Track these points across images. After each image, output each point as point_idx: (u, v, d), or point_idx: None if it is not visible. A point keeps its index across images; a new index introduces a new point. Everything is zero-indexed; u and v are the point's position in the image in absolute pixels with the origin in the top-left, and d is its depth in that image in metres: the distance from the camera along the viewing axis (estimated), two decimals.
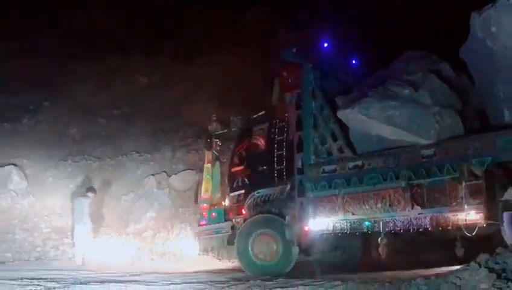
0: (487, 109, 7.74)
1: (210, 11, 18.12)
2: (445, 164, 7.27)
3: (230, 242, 9.40)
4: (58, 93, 16.59)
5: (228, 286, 7.18)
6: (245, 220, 9.27)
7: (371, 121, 7.95)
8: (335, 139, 8.48)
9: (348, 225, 8.13)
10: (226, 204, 9.73)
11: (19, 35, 18.27)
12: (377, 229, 7.87)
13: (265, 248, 8.94)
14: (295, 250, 8.67)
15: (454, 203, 7.19)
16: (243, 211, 9.33)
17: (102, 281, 8.06)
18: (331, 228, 8.29)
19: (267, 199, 9.13)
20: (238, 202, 9.50)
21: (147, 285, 7.62)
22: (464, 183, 7.09)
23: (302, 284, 6.96)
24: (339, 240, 8.97)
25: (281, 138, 9.18)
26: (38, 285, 7.59)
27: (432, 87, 7.86)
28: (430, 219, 7.38)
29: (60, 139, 15.60)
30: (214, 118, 10.29)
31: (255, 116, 9.99)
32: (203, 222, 9.85)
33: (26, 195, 13.58)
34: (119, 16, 19.17)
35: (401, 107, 7.76)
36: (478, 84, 7.91)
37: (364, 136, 8.22)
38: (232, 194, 9.69)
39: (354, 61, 9.88)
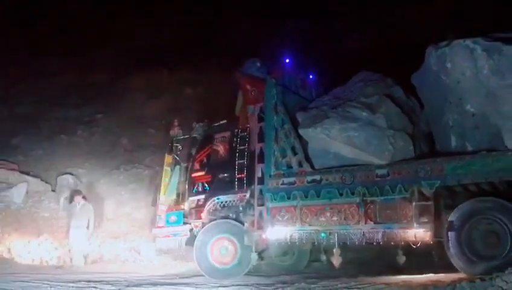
0: (435, 134, 8.49)
1: (251, 22, 18.58)
2: (397, 184, 7.93)
3: (188, 245, 9.74)
4: (111, 105, 17.10)
5: (275, 289, 7.53)
6: (204, 224, 9.62)
7: (332, 141, 8.51)
8: (295, 153, 8.96)
9: (305, 235, 8.68)
10: (185, 208, 9.98)
11: (76, 53, 18.88)
12: (332, 241, 8.46)
13: (223, 251, 9.38)
14: (253, 255, 9.13)
15: (404, 221, 7.90)
16: (202, 216, 9.65)
17: (155, 284, 8.46)
18: (288, 236, 8.81)
19: (226, 205, 9.53)
20: (198, 207, 9.81)
21: (196, 287, 8.00)
22: (414, 203, 7.83)
23: (346, 288, 7.25)
24: (290, 245, 9.57)
25: (243, 147, 9.57)
26: (94, 287, 7.99)
27: (387, 111, 8.51)
28: (382, 233, 8.05)
29: (112, 149, 16.15)
30: (176, 123, 10.51)
31: (216, 124, 10.30)
32: (161, 224, 10.08)
33: None
34: (166, 31, 19.89)
35: (359, 129, 8.36)
36: (428, 110, 8.66)
37: (322, 153, 8.77)
38: (191, 198, 9.97)
39: (311, 77, 10.39)
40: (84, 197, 12.05)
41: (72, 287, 8.07)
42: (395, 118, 8.52)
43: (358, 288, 7.06)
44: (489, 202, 7.42)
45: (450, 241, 7.58)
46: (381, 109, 8.50)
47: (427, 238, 7.76)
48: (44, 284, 8.34)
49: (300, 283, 8.01)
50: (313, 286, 7.60)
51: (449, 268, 7.80)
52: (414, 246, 8.10)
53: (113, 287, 8.03)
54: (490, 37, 7.39)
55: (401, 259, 8.71)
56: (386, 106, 8.55)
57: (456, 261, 7.53)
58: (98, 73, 18.52)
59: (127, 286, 8.19)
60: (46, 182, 14.24)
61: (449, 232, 7.60)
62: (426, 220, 7.76)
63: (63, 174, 14.29)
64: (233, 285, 8.08)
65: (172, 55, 18.56)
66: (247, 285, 7.98)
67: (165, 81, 18.10)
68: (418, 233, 7.80)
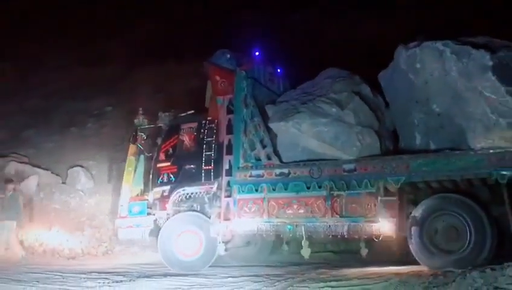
0: (400, 131, 8.77)
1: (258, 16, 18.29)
2: (363, 179, 8.15)
3: (152, 236, 9.64)
4: (120, 98, 16.74)
5: (285, 279, 7.53)
6: (168, 215, 9.53)
7: (302, 135, 8.64)
8: (264, 146, 9.04)
9: (272, 227, 8.79)
10: (149, 198, 9.83)
11: (85, 46, 18.70)
12: (298, 233, 8.60)
13: (188, 243, 9.32)
14: (219, 247, 9.15)
15: (369, 215, 8.14)
16: (167, 207, 9.54)
17: (165, 275, 8.52)
18: (255, 228, 8.90)
19: (192, 196, 9.47)
20: (162, 198, 9.65)
21: (206, 277, 8.06)
22: (379, 198, 8.06)
23: (356, 278, 7.23)
24: (255, 236, 9.66)
25: (210, 139, 9.52)
26: (106, 278, 8.10)
27: (355, 107, 8.72)
28: (348, 227, 8.26)
29: (122, 142, 15.42)
30: (141, 112, 10.31)
31: (183, 114, 10.20)
32: (124, 214, 9.91)
33: (93, 194, 14.22)
34: (175, 23, 19.54)
35: (329, 125, 8.54)
36: (393, 109, 8.91)
37: (291, 146, 8.89)
38: (156, 189, 9.81)
39: (279, 70, 10.47)
40: (14, 189, 11.80)
41: (84, 278, 8.17)
42: (363, 115, 8.75)
43: (369, 279, 7.11)
44: (450, 199, 7.79)
45: (412, 236, 7.91)
46: (350, 105, 8.70)
47: (391, 233, 8.00)
48: (56, 275, 8.53)
49: (310, 273, 8.14)
50: (321, 276, 7.75)
51: (408, 261, 8.18)
52: (376, 240, 8.37)
53: (124, 278, 8.09)
54: (459, 41, 7.70)
55: (364, 252, 8.95)
56: (354, 102, 8.76)
57: (417, 254, 7.87)
58: (107, 66, 18.32)
59: (138, 277, 8.27)
60: (57, 175, 14.48)
61: (412, 227, 7.92)
62: (390, 214, 8.00)
63: (73, 167, 14.47)
64: (243, 276, 8.14)
65: (182, 47, 18.42)
66: (257, 275, 8.04)
67: (175, 73, 17.92)
68: (383, 227, 8.03)
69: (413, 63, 8.08)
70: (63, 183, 14.26)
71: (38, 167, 14.43)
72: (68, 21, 19.23)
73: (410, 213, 7.98)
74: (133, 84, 17.28)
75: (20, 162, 14.43)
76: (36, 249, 11.90)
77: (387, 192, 8.06)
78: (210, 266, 9.26)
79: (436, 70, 7.86)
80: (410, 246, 7.93)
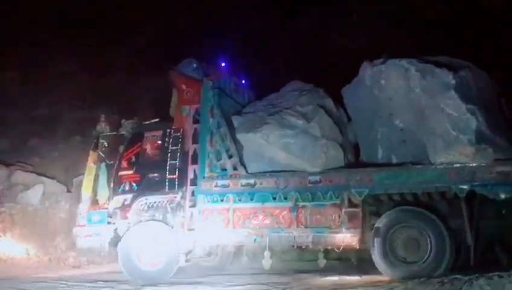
0: (362, 145, 9.00)
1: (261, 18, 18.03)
2: (328, 191, 8.34)
3: (112, 245, 9.42)
4: (126, 106, 16.14)
5: (290, 288, 7.54)
6: (129, 225, 9.32)
7: (269, 146, 8.74)
8: (230, 156, 9.07)
9: (236, 237, 8.81)
10: (110, 207, 9.61)
11: (90, 54, 18.06)
12: (263, 244, 8.66)
13: (150, 254, 9.14)
14: (182, 258, 9.06)
15: (334, 226, 8.30)
16: (128, 216, 9.35)
17: (171, 283, 8.56)
18: (219, 239, 8.91)
19: (155, 206, 9.33)
20: (124, 207, 9.47)
21: (212, 286, 8.18)
22: (343, 209, 8.25)
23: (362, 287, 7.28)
24: (216, 246, 9.65)
25: (175, 148, 9.42)
26: (111, 288, 8.17)
27: (320, 121, 8.90)
28: (312, 237, 8.40)
29: None
30: (103, 119, 10.12)
31: (147, 122, 10.07)
32: (83, 223, 9.64)
33: None
34: (177, 27, 19.13)
35: (295, 137, 8.69)
36: (356, 122, 9.16)
37: (257, 157, 8.97)
38: (116, 197, 9.60)
39: (243, 82, 10.56)
40: None
41: (90, 287, 8.20)
42: (328, 128, 8.95)
43: (374, 287, 7.22)
44: (412, 211, 8.05)
45: (375, 246, 8.09)
46: (316, 118, 8.88)
47: (354, 243, 8.21)
48: (61, 284, 8.54)
49: (316, 280, 8.27)
50: (327, 284, 7.90)
51: (368, 271, 8.46)
52: (337, 250, 8.54)
53: (130, 287, 8.15)
54: (423, 60, 8.05)
55: (322, 262, 9.13)
56: (319, 116, 8.95)
57: (379, 264, 8.07)
58: (112, 74, 18.00)
59: (144, 286, 8.34)
60: (63, 183, 14.56)
61: (375, 238, 8.12)
62: (354, 226, 8.21)
63: (79, 176, 13.80)
64: (249, 284, 8.15)
65: (184, 52, 18.23)
66: (263, 284, 8.06)
67: None
68: (346, 238, 8.23)
69: (378, 80, 8.38)
70: (69, 192, 14.16)
71: (44, 175, 14.50)
72: (72, 29, 18.69)
73: (373, 225, 8.19)
74: (139, 92, 17.32)
75: (26, 171, 14.46)
76: (41, 258, 11.90)
77: (351, 204, 8.26)
78: (210, 275, 9.35)
79: (400, 87, 8.18)
80: (372, 257, 8.13)
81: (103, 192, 9.86)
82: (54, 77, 17.71)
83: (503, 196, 7.44)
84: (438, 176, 7.79)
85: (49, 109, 17.35)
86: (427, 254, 7.82)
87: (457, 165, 7.73)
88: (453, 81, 7.71)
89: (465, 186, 7.58)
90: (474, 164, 7.63)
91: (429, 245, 7.83)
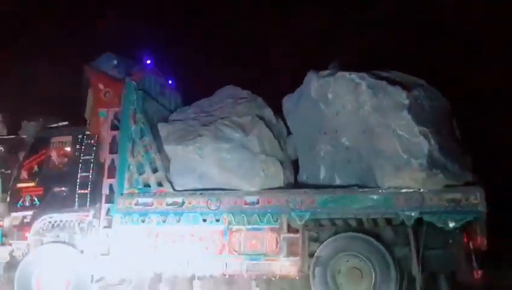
0: (303, 162, 8.24)
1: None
2: (266, 213, 7.53)
3: (7, 271, 7.93)
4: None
5: None
6: (29, 247, 7.91)
7: (201, 161, 7.73)
8: (154, 170, 7.94)
9: (159, 264, 7.70)
10: (5, 225, 8.16)
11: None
12: (190, 272, 7.66)
13: (52, 282, 7.79)
14: (91, 285, 7.79)
15: (271, 253, 7.49)
16: (28, 236, 7.93)
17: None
18: (137, 266, 7.73)
19: (61, 225, 7.99)
20: (22, 225, 8.10)
21: None
22: (282, 235, 7.49)
23: None
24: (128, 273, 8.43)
25: (88, 157, 8.14)
26: None
27: (260, 134, 8.04)
28: (246, 265, 7.52)
29: None
30: (1, 119, 8.52)
31: (54, 125, 8.63)
32: None
33: None
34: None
35: (232, 151, 7.78)
36: (298, 137, 8.38)
37: (186, 172, 7.94)
38: (14, 214, 8.18)
39: (170, 82, 9.41)
40: None
41: None
42: (267, 142, 8.09)
43: None
44: (356, 239, 7.41)
45: (315, 276, 7.37)
46: (254, 131, 8.00)
47: (294, 272, 7.44)
48: None
49: None
50: None
51: None
52: (273, 279, 7.75)
53: None
54: (375, 75, 7.42)
55: None
56: (259, 128, 8.07)
57: None
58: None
59: None
60: None
61: (315, 267, 7.39)
62: (293, 253, 7.45)
63: None
64: None
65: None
66: None
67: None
68: (284, 266, 7.45)
69: (325, 93, 7.66)
70: None
71: None
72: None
73: (314, 252, 7.47)
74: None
75: None
76: None
77: (290, 228, 7.51)
78: None
79: (349, 103, 7.51)
80: (312, 287, 7.41)
81: None
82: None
83: (452, 225, 7.02)
84: (384, 201, 7.21)
85: None
86: (372, 285, 7.21)
87: (406, 190, 7.18)
88: (407, 101, 7.14)
89: (413, 213, 7.07)
90: (423, 190, 7.10)
91: (374, 275, 7.22)
